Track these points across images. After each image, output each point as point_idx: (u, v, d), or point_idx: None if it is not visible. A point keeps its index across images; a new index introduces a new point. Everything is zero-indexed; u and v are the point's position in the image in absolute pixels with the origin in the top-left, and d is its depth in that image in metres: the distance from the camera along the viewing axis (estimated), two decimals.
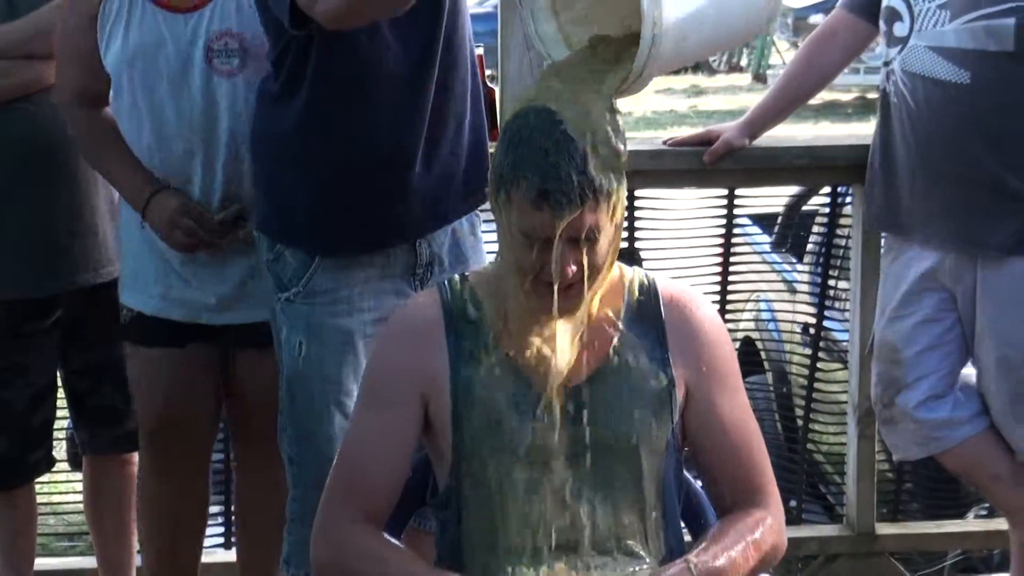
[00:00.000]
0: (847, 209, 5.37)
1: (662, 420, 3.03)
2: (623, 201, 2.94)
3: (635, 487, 3.03)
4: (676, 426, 3.06)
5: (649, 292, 3.10)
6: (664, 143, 4.84)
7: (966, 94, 4.33)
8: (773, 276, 6.81)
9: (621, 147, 2.88)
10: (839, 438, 5.47)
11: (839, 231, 5.60)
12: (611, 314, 3.04)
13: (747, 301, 6.19)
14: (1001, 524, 4.96)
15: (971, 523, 5.47)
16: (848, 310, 5.32)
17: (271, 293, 3.85)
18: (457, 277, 3.17)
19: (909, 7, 4.36)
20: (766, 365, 6.88)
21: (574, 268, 2.84)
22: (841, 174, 5.33)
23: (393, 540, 3.05)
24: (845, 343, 5.43)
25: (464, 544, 3.06)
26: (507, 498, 2.99)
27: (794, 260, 7.08)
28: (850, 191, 5.26)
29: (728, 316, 5.44)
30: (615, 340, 3.04)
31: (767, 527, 3.00)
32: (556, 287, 2.85)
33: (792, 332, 6.35)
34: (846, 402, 5.33)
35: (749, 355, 6.79)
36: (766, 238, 7.12)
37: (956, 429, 4.52)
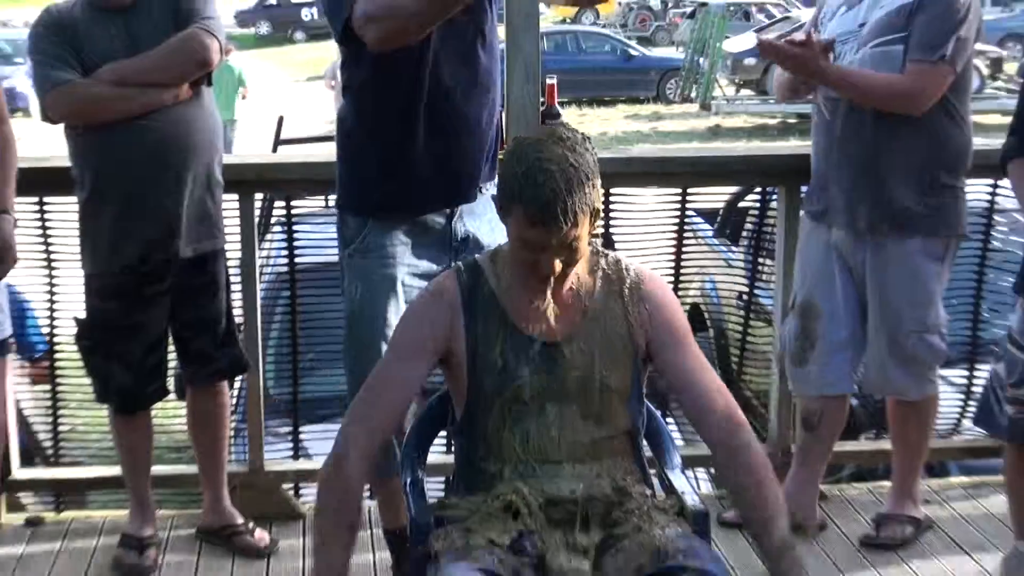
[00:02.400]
0: (773, 204, 5.39)
1: (626, 367, 3.13)
2: (599, 214, 3.06)
3: (606, 416, 3.12)
4: (639, 371, 3.16)
5: (616, 270, 3.17)
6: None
7: (855, 110, 4.44)
8: (715, 257, 6.82)
9: (597, 180, 2.97)
10: (765, 380, 5.49)
11: (767, 222, 5.60)
12: (587, 287, 3.12)
13: (695, 276, 6.20)
14: (884, 444, 5.03)
15: (862, 444, 5.51)
16: (773, 283, 5.35)
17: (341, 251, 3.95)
18: (471, 260, 3.23)
19: (837, 45, 4.44)
20: (709, 325, 6.91)
21: (560, 266, 2.95)
22: (769, 178, 5.40)
23: (360, 493, 3.11)
24: (770, 307, 5.46)
25: (474, 459, 3.14)
26: (508, 425, 3.09)
27: (731, 244, 7.10)
28: (775, 191, 5.28)
29: (680, 287, 5.47)
30: (589, 307, 3.11)
31: (759, 454, 3.11)
32: (548, 277, 2.99)
33: (729, 300, 6.37)
34: (770, 352, 5.39)
35: (696, 317, 6.81)
36: (709, 228, 7.13)
37: (841, 381, 4.69)
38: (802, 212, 4.84)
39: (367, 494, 5.26)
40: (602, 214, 3.15)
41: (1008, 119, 4.27)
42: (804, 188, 4.82)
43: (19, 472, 5.01)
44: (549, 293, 3.04)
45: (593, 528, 3.00)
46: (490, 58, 3.95)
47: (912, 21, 4.35)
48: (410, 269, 3.82)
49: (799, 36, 4.50)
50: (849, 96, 4.42)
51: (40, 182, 4.71)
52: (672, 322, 3.17)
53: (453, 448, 3.35)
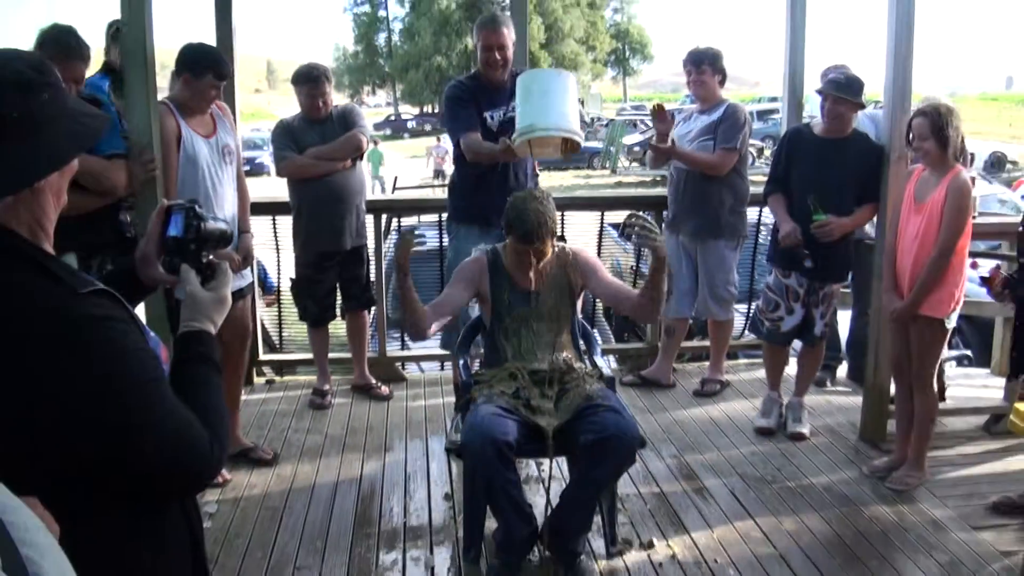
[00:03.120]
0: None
1: (570, 303, 3.12)
2: (555, 233, 3.04)
3: (560, 328, 3.09)
4: (575, 304, 3.15)
5: (563, 252, 3.13)
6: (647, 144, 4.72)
7: (690, 174, 4.43)
8: (618, 247, 6.74)
9: (556, 217, 3.05)
10: None
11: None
12: (550, 262, 3.07)
13: (608, 258, 6.12)
14: (706, 343, 4.95)
15: (695, 342, 5.36)
16: (646, 259, 5.27)
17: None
18: (494, 247, 3.16)
19: (680, 141, 4.39)
20: None
21: (535, 260, 3.00)
22: (646, 206, 5.22)
23: (424, 326, 2.92)
24: (646, 273, 5.39)
25: (497, 350, 3.10)
26: (511, 333, 3.07)
27: (627, 241, 7.02)
28: (650, 213, 5.22)
29: None
30: (550, 272, 3.08)
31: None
32: (530, 264, 3.00)
33: (627, 270, 6.29)
34: None
35: None
36: (616, 232, 7.06)
37: (686, 310, 4.64)
38: (663, 225, 4.76)
39: (439, 365, 5.26)
40: (558, 232, 3.14)
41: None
42: (665, 212, 4.75)
43: (263, 355, 4.98)
44: (532, 270, 3.01)
45: (554, 385, 2.96)
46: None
47: (717, 129, 4.36)
48: (481, 248, 3.77)
49: (665, 143, 4.36)
50: (690, 165, 4.37)
51: (273, 208, 4.66)
52: (590, 265, 3.13)
53: (483, 346, 3.28)
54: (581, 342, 3.25)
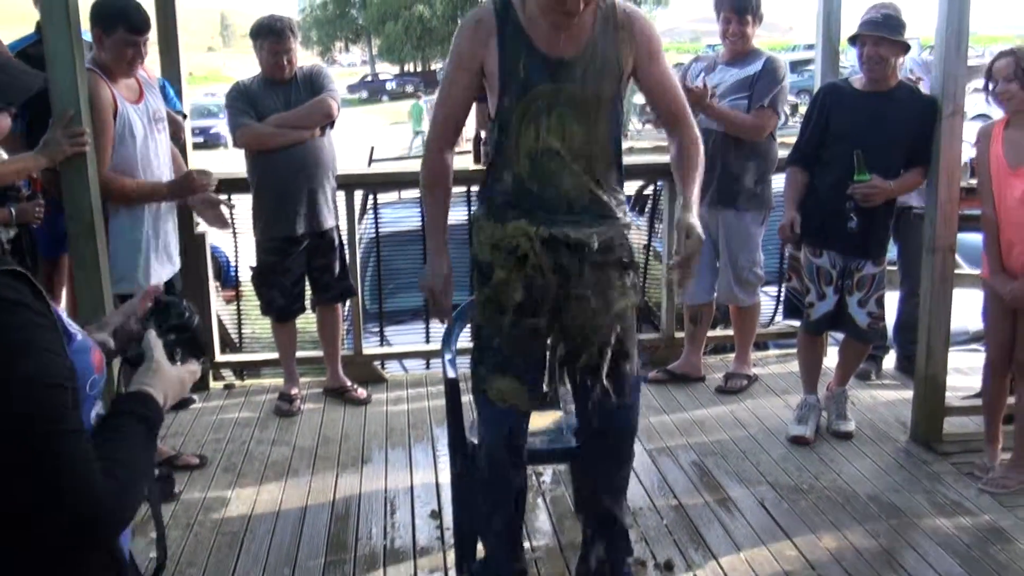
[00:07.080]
0: (663, 192, 5.31)
1: (614, 83, 2.60)
2: None
3: (594, 121, 2.60)
4: (621, 86, 2.63)
5: (612, 10, 2.61)
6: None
7: (720, 134, 4.36)
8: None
9: None
10: (658, 294, 5.40)
11: (659, 201, 5.53)
12: (589, 21, 2.58)
13: None
14: (730, 332, 4.95)
15: (718, 331, 5.35)
16: (662, 237, 5.28)
17: None
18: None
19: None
20: None
21: (583, 4, 2.48)
22: (660, 176, 5.28)
23: (444, 170, 2.69)
24: (661, 252, 5.39)
25: (504, 148, 2.62)
26: (526, 120, 2.58)
27: (639, 215, 7.02)
28: (662, 184, 5.21)
29: None
30: (591, 35, 2.58)
31: (697, 139, 2.73)
32: (573, 13, 2.50)
33: (638, 247, 6.28)
34: (660, 277, 5.30)
35: None
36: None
37: (707, 294, 4.65)
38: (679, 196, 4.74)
39: (424, 363, 5.24)
40: None
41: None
42: None
43: (220, 357, 4.96)
44: (569, 24, 2.54)
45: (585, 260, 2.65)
46: None
47: (754, 85, 4.34)
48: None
49: (699, 84, 4.33)
50: (724, 125, 4.35)
51: (229, 186, 4.57)
52: (651, 43, 2.65)
53: (489, 152, 2.82)
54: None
